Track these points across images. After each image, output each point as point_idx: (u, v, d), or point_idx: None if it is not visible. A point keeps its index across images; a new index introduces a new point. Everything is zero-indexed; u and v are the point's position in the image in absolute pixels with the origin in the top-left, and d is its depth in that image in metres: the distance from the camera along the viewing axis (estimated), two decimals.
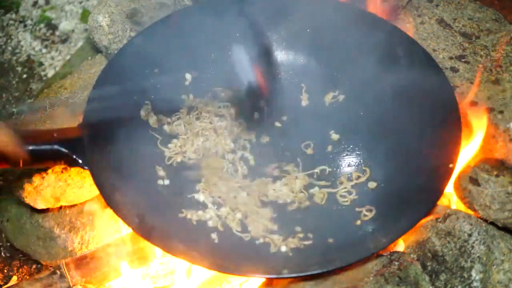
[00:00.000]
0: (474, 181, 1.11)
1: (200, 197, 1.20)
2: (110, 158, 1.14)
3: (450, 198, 1.23)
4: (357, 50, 1.34)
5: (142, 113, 1.27)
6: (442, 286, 1.08)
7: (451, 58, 1.40)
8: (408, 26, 1.47)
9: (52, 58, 2.10)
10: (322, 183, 1.23)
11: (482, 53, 1.41)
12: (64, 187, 1.35)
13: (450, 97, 1.20)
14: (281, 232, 1.14)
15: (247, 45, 1.32)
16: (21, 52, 2.12)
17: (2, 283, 1.45)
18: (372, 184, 1.21)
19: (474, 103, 1.26)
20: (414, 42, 1.30)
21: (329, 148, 1.29)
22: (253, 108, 1.34)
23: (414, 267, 1.08)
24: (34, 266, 1.50)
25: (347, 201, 1.20)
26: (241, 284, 1.28)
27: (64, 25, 2.17)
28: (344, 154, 1.28)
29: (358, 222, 1.14)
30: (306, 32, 1.38)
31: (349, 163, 1.27)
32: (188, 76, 1.35)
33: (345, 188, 1.22)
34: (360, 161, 1.26)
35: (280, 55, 1.40)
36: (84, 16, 2.17)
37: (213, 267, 1.02)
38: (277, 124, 1.33)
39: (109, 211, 1.46)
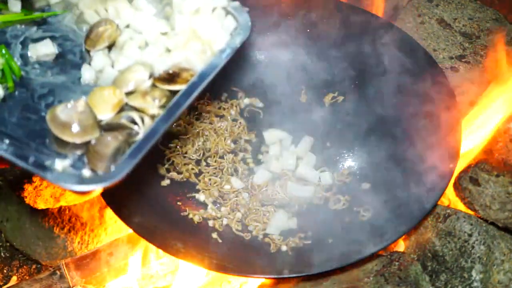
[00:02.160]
0: (474, 181, 1.11)
1: (201, 197, 1.20)
2: None
3: (450, 198, 1.23)
4: (356, 51, 1.34)
5: None
6: (442, 286, 1.08)
7: (451, 58, 1.40)
8: (408, 26, 1.47)
9: None
10: (321, 184, 1.23)
11: (482, 53, 1.41)
12: None
13: (450, 97, 1.20)
14: (281, 232, 1.14)
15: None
16: None
17: (2, 283, 1.45)
18: (366, 185, 1.21)
19: (474, 103, 1.26)
20: (414, 42, 1.30)
21: (328, 148, 1.29)
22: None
23: (414, 267, 1.08)
24: (34, 266, 1.50)
25: (346, 201, 1.20)
26: (241, 284, 1.28)
27: None
28: (343, 155, 1.28)
29: (357, 222, 1.14)
30: (306, 32, 1.38)
31: (347, 164, 1.27)
32: None
33: (344, 188, 1.22)
34: (359, 162, 1.26)
35: (280, 55, 1.40)
36: None
37: (213, 267, 1.02)
38: (277, 124, 1.33)
39: (109, 211, 1.46)
